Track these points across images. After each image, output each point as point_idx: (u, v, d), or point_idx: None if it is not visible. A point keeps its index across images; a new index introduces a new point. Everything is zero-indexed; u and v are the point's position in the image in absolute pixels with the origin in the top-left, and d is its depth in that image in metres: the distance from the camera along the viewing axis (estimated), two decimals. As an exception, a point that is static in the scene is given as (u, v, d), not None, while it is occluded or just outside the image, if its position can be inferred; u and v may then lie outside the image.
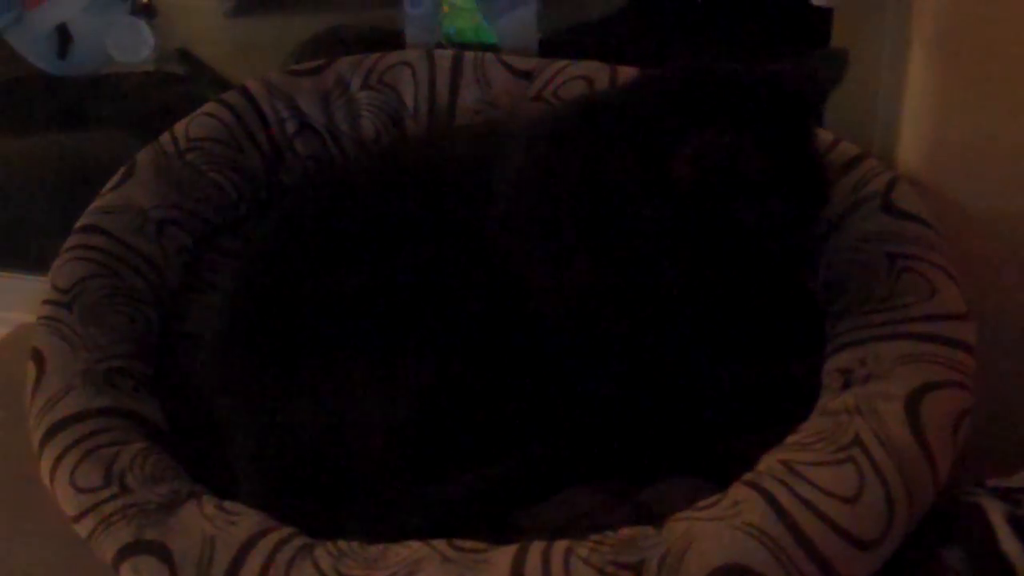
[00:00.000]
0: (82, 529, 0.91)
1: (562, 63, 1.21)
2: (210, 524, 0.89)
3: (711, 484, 0.93)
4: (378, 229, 1.02)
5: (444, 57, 1.24)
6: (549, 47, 1.28)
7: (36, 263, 1.64)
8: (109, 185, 1.14)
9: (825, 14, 1.16)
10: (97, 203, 1.12)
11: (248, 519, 0.90)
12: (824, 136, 1.10)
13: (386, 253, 1.00)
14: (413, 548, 0.87)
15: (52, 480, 0.94)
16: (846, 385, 0.95)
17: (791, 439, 0.91)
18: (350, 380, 0.95)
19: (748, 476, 0.89)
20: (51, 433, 0.96)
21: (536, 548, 0.85)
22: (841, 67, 0.99)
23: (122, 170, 1.15)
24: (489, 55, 1.24)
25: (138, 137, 1.60)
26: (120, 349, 1.03)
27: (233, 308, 1.03)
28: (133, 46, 1.39)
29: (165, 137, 1.18)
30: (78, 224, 1.11)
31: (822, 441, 0.89)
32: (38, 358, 1.01)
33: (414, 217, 1.02)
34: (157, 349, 1.07)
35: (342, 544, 0.88)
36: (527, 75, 1.22)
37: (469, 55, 1.24)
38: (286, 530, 0.89)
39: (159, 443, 0.98)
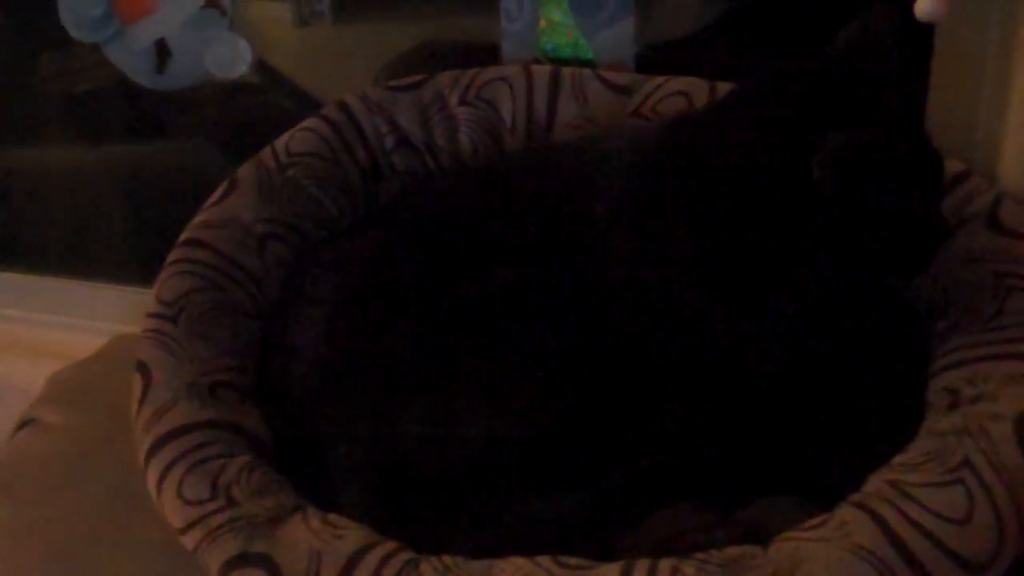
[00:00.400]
0: (189, 541, 0.92)
1: (660, 79, 1.21)
2: (316, 538, 0.90)
3: (813, 504, 0.92)
4: (480, 246, 1.02)
5: (542, 73, 1.24)
6: (643, 63, 1.28)
7: (117, 273, 1.68)
8: (212, 199, 1.15)
9: (925, 28, 1.15)
10: (200, 217, 1.13)
11: (354, 533, 0.91)
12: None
13: (489, 270, 1.00)
14: (518, 564, 0.87)
15: (159, 492, 0.95)
16: (953, 405, 0.94)
17: (898, 459, 0.91)
18: (456, 394, 0.96)
19: (855, 497, 0.89)
20: (158, 445, 0.96)
21: (642, 565, 0.85)
22: (896, 19, 0.99)
23: (224, 185, 1.16)
24: (587, 71, 1.24)
25: (216, 147, 1.63)
26: (224, 362, 1.04)
27: (337, 320, 1.04)
28: (231, 62, 1.41)
29: (266, 152, 1.19)
30: (182, 238, 1.12)
31: (930, 462, 0.89)
32: (144, 370, 1.02)
33: (517, 234, 1.02)
34: (259, 361, 1.08)
35: (447, 559, 0.88)
36: (625, 91, 1.21)
37: (567, 71, 1.24)
38: (391, 544, 0.90)
39: (263, 456, 0.99)
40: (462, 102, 1.23)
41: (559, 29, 1.28)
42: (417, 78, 1.25)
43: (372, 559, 0.88)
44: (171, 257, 1.10)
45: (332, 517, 0.93)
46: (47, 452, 1.16)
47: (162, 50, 1.42)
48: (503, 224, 1.03)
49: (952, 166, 1.08)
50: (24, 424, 1.19)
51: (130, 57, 1.43)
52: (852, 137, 0.89)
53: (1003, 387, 0.92)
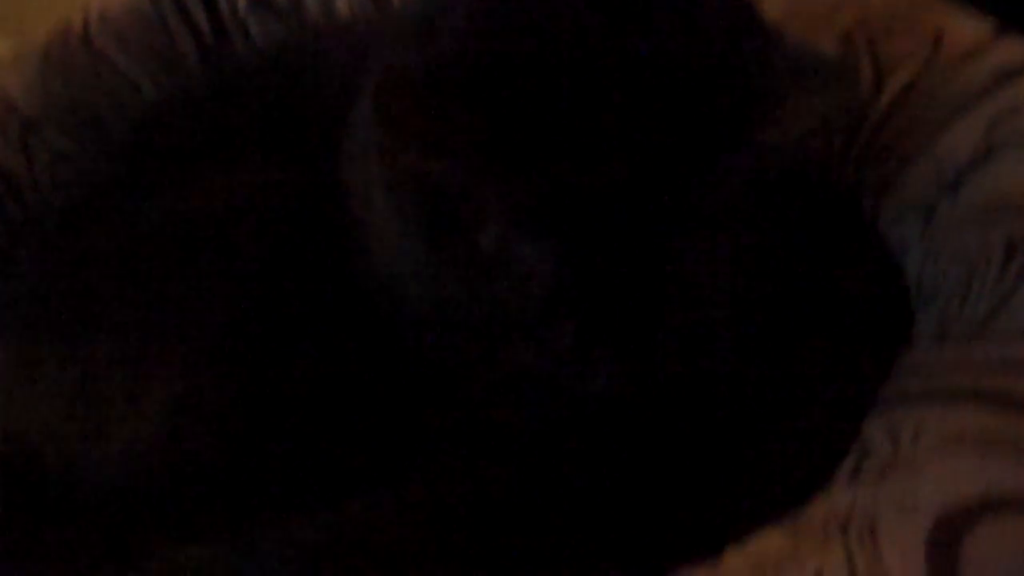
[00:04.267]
0: None
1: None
2: None
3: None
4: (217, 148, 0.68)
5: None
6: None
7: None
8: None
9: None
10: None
11: None
12: (979, 28, 0.64)
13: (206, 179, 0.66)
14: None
15: None
16: (856, 471, 0.51)
17: (727, 558, 0.50)
18: (92, 366, 0.63)
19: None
20: None
21: None
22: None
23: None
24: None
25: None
26: None
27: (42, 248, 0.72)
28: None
29: (78, 14, 0.88)
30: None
31: (758, 572, 0.48)
32: None
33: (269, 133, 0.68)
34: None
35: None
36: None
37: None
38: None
39: None
40: (349, -56, 0.86)
41: None
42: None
43: None
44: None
45: None
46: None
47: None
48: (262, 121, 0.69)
49: (1016, 52, 0.62)
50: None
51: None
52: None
53: (939, 454, 0.48)
